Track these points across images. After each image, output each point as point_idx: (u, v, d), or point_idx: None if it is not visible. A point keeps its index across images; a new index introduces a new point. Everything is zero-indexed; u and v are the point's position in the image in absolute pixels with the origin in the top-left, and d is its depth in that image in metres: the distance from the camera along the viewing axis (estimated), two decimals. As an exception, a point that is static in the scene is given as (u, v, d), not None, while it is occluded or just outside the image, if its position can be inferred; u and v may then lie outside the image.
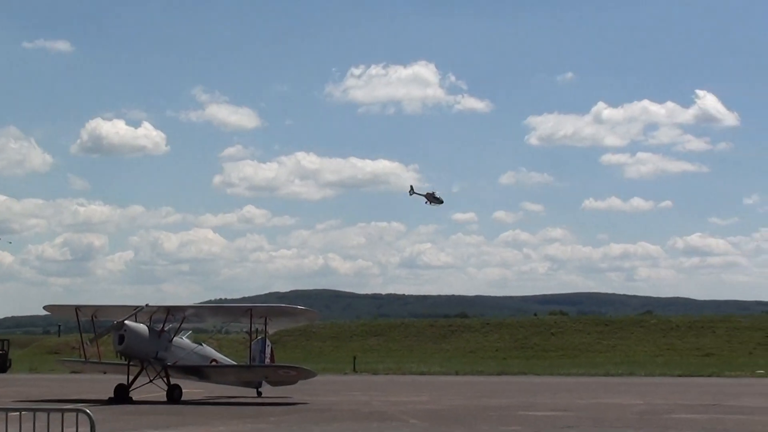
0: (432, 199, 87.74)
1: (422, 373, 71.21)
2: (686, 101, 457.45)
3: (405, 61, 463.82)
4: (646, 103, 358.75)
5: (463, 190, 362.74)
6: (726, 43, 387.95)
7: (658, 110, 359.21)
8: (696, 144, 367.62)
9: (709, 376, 65.83)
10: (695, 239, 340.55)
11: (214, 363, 41.62)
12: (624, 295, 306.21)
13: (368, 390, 47.68)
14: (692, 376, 65.70)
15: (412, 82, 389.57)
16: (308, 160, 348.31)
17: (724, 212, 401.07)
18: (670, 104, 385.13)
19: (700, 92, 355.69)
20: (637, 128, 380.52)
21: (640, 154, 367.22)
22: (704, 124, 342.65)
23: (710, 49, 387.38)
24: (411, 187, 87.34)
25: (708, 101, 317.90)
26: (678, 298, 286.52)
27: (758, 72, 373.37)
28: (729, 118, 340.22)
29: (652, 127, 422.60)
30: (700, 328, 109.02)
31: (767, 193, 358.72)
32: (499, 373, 70.40)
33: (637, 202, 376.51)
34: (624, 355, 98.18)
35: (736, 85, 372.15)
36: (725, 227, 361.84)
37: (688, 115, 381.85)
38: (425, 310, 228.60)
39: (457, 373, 70.87)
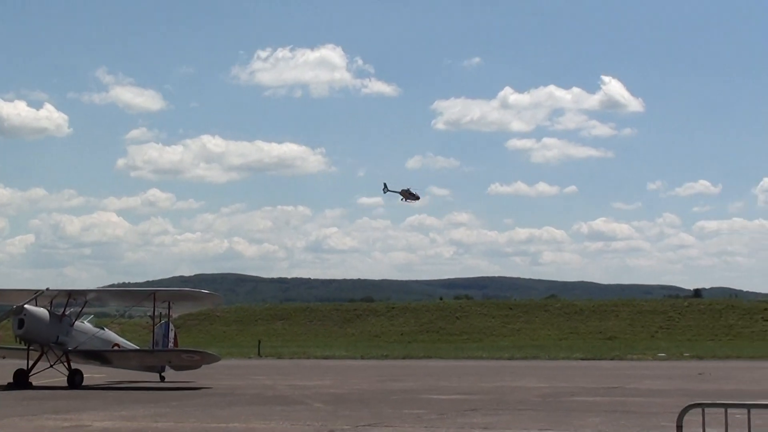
0: (408, 195, 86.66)
1: (327, 357, 71.08)
2: (592, 87, 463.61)
3: (312, 44, 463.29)
4: (552, 88, 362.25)
5: (370, 174, 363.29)
6: (631, 29, 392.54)
7: (564, 96, 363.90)
8: (601, 130, 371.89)
9: (611, 359, 66.58)
10: (599, 224, 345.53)
11: (116, 347, 41.06)
12: (529, 279, 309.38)
13: (272, 374, 47.46)
14: (595, 359, 66.39)
15: (320, 66, 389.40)
16: (214, 143, 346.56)
17: (628, 197, 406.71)
18: (575, 90, 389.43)
19: (605, 78, 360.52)
20: (543, 114, 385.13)
21: (546, 140, 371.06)
22: (609, 110, 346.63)
23: (616, 35, 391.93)
24: (384, 184, 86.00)
25: (613, 87, 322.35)
26: (582, 282, 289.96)
27: (663, 58, 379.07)
28: (634, 104, 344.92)
29: (557, 112, 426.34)
30: (604, 311, 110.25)
31: (670, 179, 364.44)
32: (404, 357, 70.48)
33: (543, 187, 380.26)
34: (528, 338, 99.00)
35: (641, 72, 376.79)
36: (629, 212, 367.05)
37: (593, 101, 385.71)
38: (330, 294, 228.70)
39: (362, 357, 70.84)
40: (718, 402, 12.22)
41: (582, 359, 66.27)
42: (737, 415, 12.19)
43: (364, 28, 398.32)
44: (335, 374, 47.74)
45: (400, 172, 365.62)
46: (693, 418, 12.11)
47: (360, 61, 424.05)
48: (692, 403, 12.04)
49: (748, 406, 11.96)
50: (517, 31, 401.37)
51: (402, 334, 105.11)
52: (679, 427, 11.87)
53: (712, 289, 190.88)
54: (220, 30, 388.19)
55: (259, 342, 79.55)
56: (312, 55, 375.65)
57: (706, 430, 12.05)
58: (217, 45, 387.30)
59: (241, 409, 27.30)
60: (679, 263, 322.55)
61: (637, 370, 51.85)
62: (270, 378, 43.59)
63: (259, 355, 74.30)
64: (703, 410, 11.94)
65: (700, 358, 66.53)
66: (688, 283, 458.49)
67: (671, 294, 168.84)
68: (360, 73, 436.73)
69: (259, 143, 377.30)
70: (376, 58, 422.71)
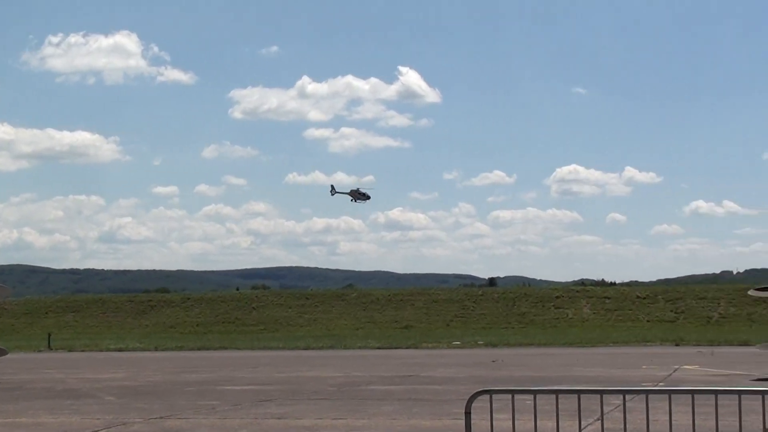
0: (357, 195, 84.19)
1: (120, 350, 69.96)
2: (389, 78, 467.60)
3: (106, 30, 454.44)
4: (350, 78, 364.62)
5: (165, 163, 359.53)
6: (428, 19, 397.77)
7: (362, 86, 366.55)
8: (399, 120, 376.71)
9: (407, 347, 67.33)
10: (396, 214, 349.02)
11: None
12: (326, 269, 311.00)
13: (63, 367, 46.40)
14: (391, 348, 67.06)
15: (114, 52, 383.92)
16: (2, 130, 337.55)
17: (425, 187, 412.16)
18: (373, 80, 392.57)
19: (402, 69, 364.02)
20: (341, 103, 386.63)
21: (344, 129, 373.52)
22: (407, 101, 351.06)
23: (413, 26, 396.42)
24: (332, 186, 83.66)
25: (410, 78, 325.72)
26: (379, 271, 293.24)
27: (459, 49, 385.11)
28: (431, 95, 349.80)
29: (355, 102, 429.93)
30: (400, 301, 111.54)
31: (466, 169, 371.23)
32: (199, 348, 69.93)
33: (340, 177, 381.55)
34: (325, 328, 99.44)
35: (438, 63, 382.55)
36: (426, 202, 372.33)
37: (391, 91, 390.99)
38: (125, 285, 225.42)
39: (156, 349, 70.00)
40: (505, 388, 12.37)
41: (378, 348, 66.88)
42: (527, 401, 12.36)
43: (160, 15, 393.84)
44: (129, 366, 47.00)
45: (196, 161, 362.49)
46: (483, 404, 12.23)
47: (155, 49, 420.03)
48: (480, 389, 12.16)
49: (534, 392, 12.15)
50: (314, 20, 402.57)
51: (198, 325, 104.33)
52: (468, 414, 11.97)
53: (506, 277, 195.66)
54: (9, 13, 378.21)
55: (50, 335, 77.72)
56: (106, 42, 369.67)
57: (495, 415, 12.19)
58: (5, 29, 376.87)
59: (30, 403, 26.54)
60: (474, 252, 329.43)
61: (432, 358, 52.53)
62: (60, 371, 42.61)
63: (50, 348, 72.63)
64: (490, 396, 12.06)
65: (493, 345, 67.85)
66: (483, 272, 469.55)
67: (466, 283, 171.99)
68: (155, 61, 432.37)
69: (51, 131, 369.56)
70: (173, 46, 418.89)
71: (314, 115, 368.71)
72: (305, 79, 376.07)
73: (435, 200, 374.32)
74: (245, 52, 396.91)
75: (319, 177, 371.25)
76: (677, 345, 65.00)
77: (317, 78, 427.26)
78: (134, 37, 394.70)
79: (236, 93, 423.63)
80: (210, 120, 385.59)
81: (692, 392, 11.81)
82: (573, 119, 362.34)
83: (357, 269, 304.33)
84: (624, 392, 12.02)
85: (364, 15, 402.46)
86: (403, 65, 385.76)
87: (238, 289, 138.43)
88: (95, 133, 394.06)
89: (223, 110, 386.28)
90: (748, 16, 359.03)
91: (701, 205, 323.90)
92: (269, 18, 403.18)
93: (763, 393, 11.48)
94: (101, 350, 69.92)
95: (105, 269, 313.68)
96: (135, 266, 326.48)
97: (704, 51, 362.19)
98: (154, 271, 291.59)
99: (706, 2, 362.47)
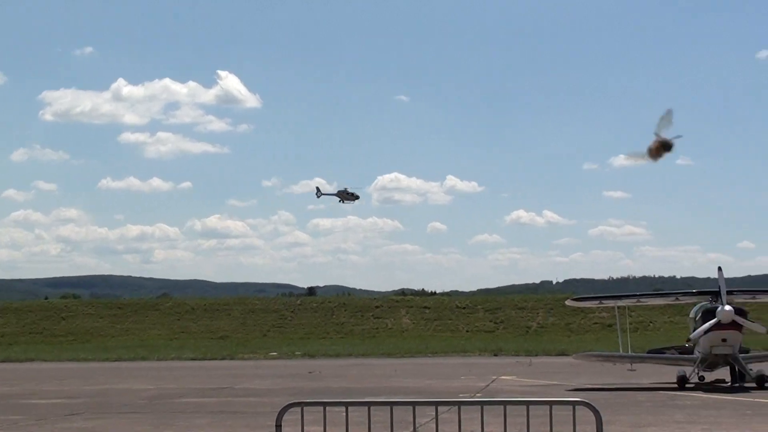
0: (345, 196, 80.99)
1: None
2: (208, 82, 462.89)
3: None
4: (167, 81, 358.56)
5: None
6: (248, 23, 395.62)
7: (179, 89, 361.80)
8: (217, 125, 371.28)
9: (222, 359, 66.61)
10: (214, 221, 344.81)
11: None
12: (140, 277, 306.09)
13: None
14: (206, 359, 66.25)
15: None
16: None
17: (243, 194, 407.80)
18: (192, 84, 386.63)
19: (222, 73, 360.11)
20: (157, 107, 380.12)
21: (161, 134, 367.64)
22: (226, 106, 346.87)
23: (232, 30, 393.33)
24: (317, 188, 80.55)
25: (230, 82, 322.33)
26: (195, 280, 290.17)
27: (279, 54, 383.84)
28: (250, 100, 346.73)
29: (173, 106, 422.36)
30: (216, 310, 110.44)
31: (285, 177, 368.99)
32: (3, 360, 67.94)
33: (157, 183, 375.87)
34: (138, 339, 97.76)
35: (258, 67, 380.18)
36: (244, 209, 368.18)
37: (209, 95, 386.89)
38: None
39: (-42, 362, 67.78)
40: (316, 400, 12.11)
41: (192, 359, 66.00)
42: (341, 413, 12.09)
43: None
44: (-71, 380, 45.23)
45: (4, 165, 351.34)
46: (296, 416, 11.95)
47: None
48: (292, 402, 11.86)
49: (346, 404, 11.91)
50: (131, 21, 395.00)
51: (2, 336, 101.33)
52: (278, 426, 11.69)
53: (326, 287, 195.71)
54: None
55: None
56: None
57: (307, 428, 11.91)
58: None
59: None
60: (293, 261, 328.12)
61: (248, 369, 52.04)
62: None
63: None
64: (302, 409, 11.79)
65: (311, 356, 67.55)
66: (302, 281, 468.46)
67: (285, 292, 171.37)
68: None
69: None
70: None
71: (130, 118, 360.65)
72: (121, 81, 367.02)
73: (253, 207, 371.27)
74: (58, 53, 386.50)
75: (133, 183, 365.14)
76: (496, 355, 65.65)
77: (133, 81, 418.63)
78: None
79: (48, 95, 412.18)
80: (19, 122, 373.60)
81: (505, 403, 11.74)
82: (395, 127, 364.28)
83: (172, 278, 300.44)
84: (437, 404, 11.89)
85: (182, 17, 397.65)
86: (222, 69, 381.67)
87: (46, 298, 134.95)
88: None
89: (34, 112, 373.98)
90: (569, 29, 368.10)
91: (522, 214, 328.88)
92: (83, 18, 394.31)
93: (573, 404, 11.47)
94: None
95: None
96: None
97: (526, 62, 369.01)
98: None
99: (531, 14, 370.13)
